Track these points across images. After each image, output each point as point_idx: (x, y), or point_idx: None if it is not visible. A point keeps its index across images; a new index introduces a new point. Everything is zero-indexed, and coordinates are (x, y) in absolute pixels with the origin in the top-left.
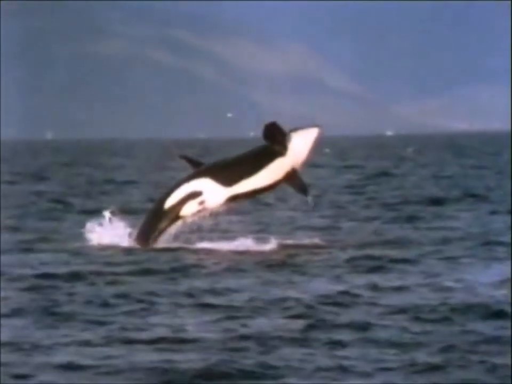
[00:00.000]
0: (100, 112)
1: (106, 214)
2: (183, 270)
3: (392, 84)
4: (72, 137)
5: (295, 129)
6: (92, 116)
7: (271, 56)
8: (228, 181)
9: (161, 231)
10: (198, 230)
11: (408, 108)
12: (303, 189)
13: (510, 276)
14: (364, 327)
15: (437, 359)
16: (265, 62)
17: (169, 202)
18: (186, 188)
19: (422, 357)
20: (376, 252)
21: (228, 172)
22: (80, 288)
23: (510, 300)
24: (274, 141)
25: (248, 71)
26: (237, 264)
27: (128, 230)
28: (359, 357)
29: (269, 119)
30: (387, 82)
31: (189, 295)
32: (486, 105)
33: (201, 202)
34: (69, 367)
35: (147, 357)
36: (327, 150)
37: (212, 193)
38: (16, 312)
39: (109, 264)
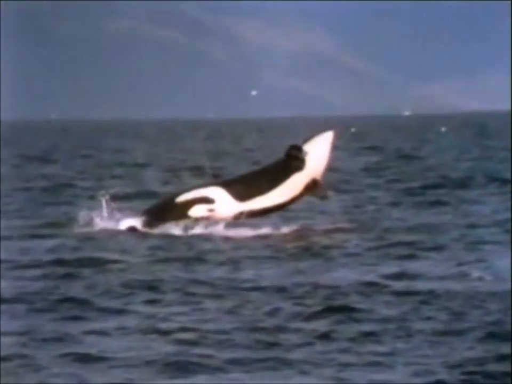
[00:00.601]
0: (107, 92)
1: (103, 198)
2: (199, 258)
3: (409, 64)
4: (77, 118)
5: (309, 138)
6: (97, 96)
7: (285, 35)
8: (241, 195)
9: (165, 222)
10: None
11: (426, 88)
12: (323, 197)
13: None
14: (392, 317)
15: (472, 350)
16: (279, 42)
17: (182, 198)
18: (201, 192)
19: (456, 347)
20: (401, 238)
21: (243, 186)
22: (93, 276)
23: None
24: (294, 161)
25: (261, 50)
26: (256, 251)
27: (135, 214)
28: (389, 349)
29: (283, 100)
30: (405, 62)
31: (205, 283)
32: (506, 85)
33: (211, 210)
34: (84, 358)
35: (164, 348)
36: (352, 130)
37: (224, 204)
38: (26, 301)
39: (123, 251)
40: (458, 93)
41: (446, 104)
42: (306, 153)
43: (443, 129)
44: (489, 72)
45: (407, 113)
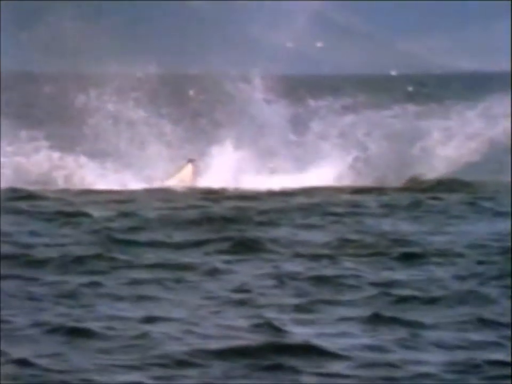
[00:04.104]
0: (89, 43)
1: None
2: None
3: (398, 20)
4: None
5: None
6: (82, 45)
7: None
8: None
9: None
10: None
11: (415, 45)
12: None
13: None
14: None
15: None
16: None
17: None
18: None
19: None
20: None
21: None
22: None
23: None
24: None
25: (246, 3)
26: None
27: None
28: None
29: (267, 56)
30: (393, 17)
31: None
32: (501, 44)
33: None
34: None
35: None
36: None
37: None
38: None
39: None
40: (455, 51)
41: (437, 63)
42: None
43: None
44: (483, 30)
45: (393, 73)
